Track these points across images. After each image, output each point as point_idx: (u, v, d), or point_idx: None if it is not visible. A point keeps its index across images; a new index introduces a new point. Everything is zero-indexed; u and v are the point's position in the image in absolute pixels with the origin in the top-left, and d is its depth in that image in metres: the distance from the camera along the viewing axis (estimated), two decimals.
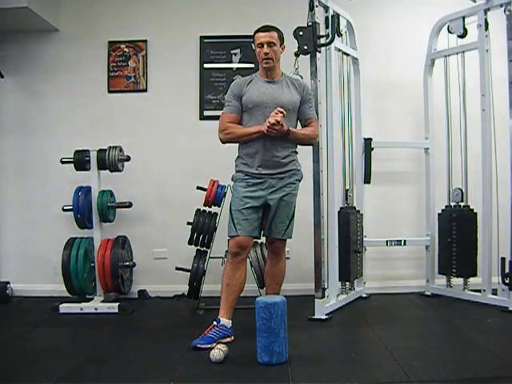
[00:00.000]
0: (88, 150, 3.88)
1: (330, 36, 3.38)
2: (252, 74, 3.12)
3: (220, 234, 3.73)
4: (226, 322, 2.89)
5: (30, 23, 4.06)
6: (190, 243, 3.75)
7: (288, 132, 2.90)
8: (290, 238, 3.10)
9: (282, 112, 2.84)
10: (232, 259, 2.94)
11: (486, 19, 3.62)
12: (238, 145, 3.06)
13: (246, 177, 2.99)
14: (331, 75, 3.58)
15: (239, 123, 3.01)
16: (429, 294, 4.04)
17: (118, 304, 3.67)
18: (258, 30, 2.99)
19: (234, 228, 2.94)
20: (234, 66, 4.27)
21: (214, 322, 2.88)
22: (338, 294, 3.67)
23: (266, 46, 2.93)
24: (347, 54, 3.93)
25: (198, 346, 2.77)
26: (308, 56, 3.31)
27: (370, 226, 4.09)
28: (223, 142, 3.03)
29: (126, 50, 4.30)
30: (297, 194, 3.07)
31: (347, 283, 3.85)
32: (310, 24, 3.27)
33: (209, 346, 2.72)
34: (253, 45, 3.02)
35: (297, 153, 3.08)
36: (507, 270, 3.49)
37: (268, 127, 2.83)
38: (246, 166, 2.99)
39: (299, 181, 3.09)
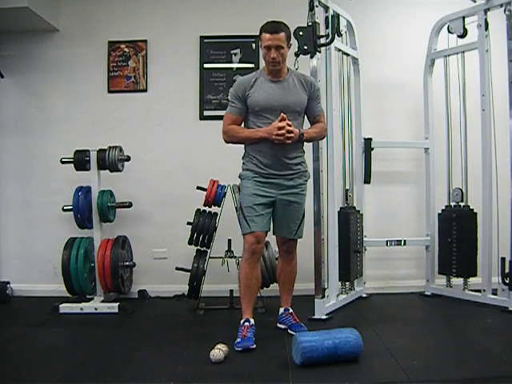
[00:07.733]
0: (88, 150, 3.87)
1: (330, 36, 3.37)
2: (257, 70, 3.09)
3: (220, 234, 3.73)
4: (252, 321, 2.92)
5: (30, 23, 4.06)
6: (189, 243, 3.75)
7: (302, 136, 2.92)
8: (301, 237, 3.12)
9: (285, 119, 2.83)
10: (251, 257, 2.93)
11: (486, 19, 3.62)
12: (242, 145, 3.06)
13: (255, 175, 2.97)
14: (331, 75, 3.58)
15: (241, 123, 3.01)
16: (429, 293, 4.04)
17: (118, 304, 3.67)
18: (265, 30, 2.87)
19: (247, 225, 2.92)
20: (234, 66, 4.26)
21: (246, 323, 2.89)
22: (338, 294, 3.67)
23: (273, 49, 2.86)
24: (347, 54, 3.93)
25: (251, 347, 2.75)
26: (308, 56, 3.31)
27: (370, 226, 4.09)
28: (226, 143, 3.03)
29: (126, 49, 4.30)
30: (306, 194, 3.09)
31: (347, 283, 3.85)
32: (310, 24, 3.26)
33: (255, 345, 2.77)
34: (253, 44, 2.97)
35: (304, 152, 3.09)
36: (507, 270, 3.49)
37: (277, 137, 2.82)
38: (255, 166, 2.98)
39: (307, 181, 3.10)
